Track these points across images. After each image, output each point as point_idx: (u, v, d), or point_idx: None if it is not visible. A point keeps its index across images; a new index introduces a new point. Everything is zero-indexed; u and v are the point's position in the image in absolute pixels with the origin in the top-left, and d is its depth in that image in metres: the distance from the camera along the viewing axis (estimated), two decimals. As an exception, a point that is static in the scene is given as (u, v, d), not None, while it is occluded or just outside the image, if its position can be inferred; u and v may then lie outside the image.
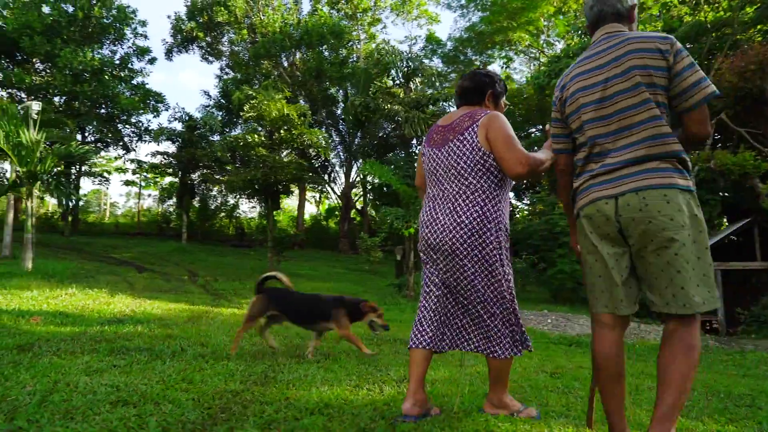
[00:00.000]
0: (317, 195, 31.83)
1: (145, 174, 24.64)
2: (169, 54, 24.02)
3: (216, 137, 18.85)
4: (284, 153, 14.58)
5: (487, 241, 2.34)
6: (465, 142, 2.41)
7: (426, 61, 29.67)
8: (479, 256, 2.34)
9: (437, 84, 18.83)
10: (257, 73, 22.39)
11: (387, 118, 14.34)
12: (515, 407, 2.50)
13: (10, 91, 21.36)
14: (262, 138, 14.20)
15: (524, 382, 3.57)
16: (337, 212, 30.35)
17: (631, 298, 2.03)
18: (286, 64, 24.29)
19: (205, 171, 19.40)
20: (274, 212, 14.77)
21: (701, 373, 5.03)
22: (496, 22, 20.31)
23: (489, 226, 2.35)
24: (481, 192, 2.38)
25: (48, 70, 21.35)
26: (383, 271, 17.57)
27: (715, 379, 4.68)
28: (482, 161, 2.37)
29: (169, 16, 28.35)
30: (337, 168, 25.97)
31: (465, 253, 2.34)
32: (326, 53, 21.44)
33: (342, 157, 25.06)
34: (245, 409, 2.27)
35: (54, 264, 11.82)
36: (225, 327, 5.21)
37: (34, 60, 21.60)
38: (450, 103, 16.49)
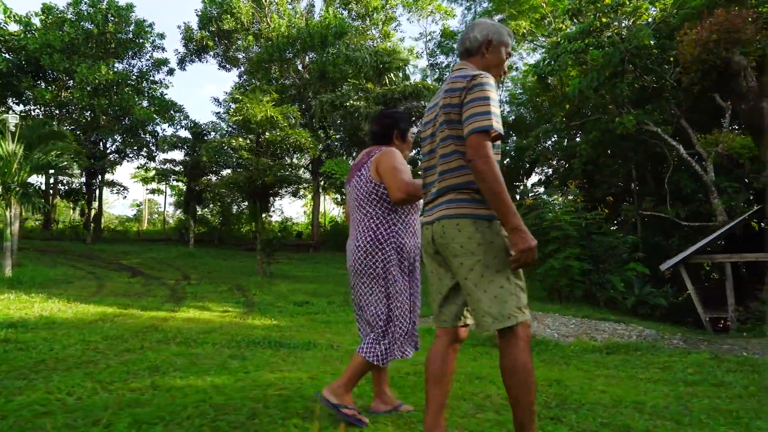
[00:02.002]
0: (339, 196, 31.76)
1: (164, 182, 25.53)
2: (182, 64, 24.72)
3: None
4: (269, 155, 14.56)
5: (378, 260, 2.70)
6: (361, 176, 2.81)
7: (443, 57, 29.24)
8: (372, 273, 2.71)
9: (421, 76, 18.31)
10: (266, 79, 22.64)
11: (349, 115, 14.04)
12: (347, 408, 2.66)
13: (33, 107, 22.62)
14: (248, 141, 14.25)
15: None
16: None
17: (449, 314, 2.25)
18: (300, 67, 24.46)
19: (209, 177, 19.75)
20: (263, 214, 14.81)
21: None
22: (500, 11, 19.60)
23: (380, 246, 2.71)
24: (375, 218, 2.75)
25: (69, 87, 22.44)
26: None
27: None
28: (374, 191, 2.74)
29: (179, 27, 29.14)
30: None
31: (361, 271, 2.73)
32: (331, 54, 21.35)
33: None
34: None
35: (39, 270, 12.28)
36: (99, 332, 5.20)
37: (62, 77, 22.73)
38: (425, 101, 15.86)
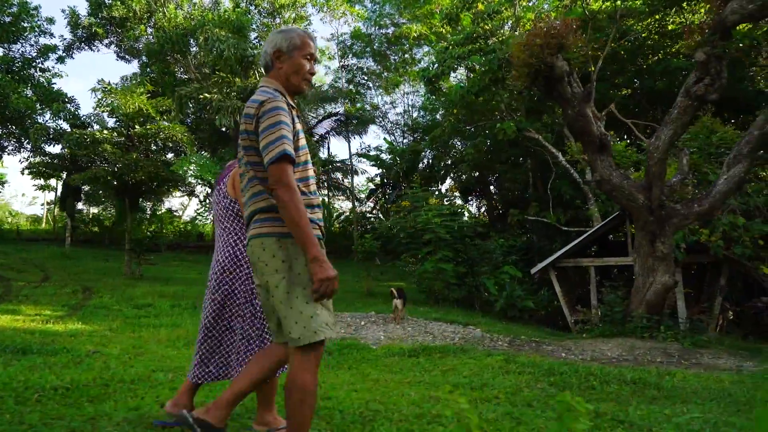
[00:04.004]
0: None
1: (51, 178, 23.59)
2: (69, 51, 23.06)
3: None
4: (142, 150, 13.65)
5: (237, 278, 2.71)
6: (219, 191, 2.80)
7: (355, 60, 29.08)
8: (228, 291, 2.71)
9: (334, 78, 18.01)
10: (162, 71, 21.53)
11: (203, 109, 13.56)
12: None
13: None
14: (114, 134, 13.36)
15: None
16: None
17: (274, 329, 2.32)
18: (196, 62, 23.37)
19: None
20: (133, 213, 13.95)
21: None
22: (401, 15, 19.65)
23: (239, 263, 2.71)
24: (233, 233, 2.73)
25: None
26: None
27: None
28: (231, 207, 2.74)
29: (63, 11, 27.30)
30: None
31: (216, 288, 2.72)
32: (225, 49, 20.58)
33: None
34: None
35: None
36: None
37: None
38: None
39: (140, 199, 15.91)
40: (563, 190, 16.76)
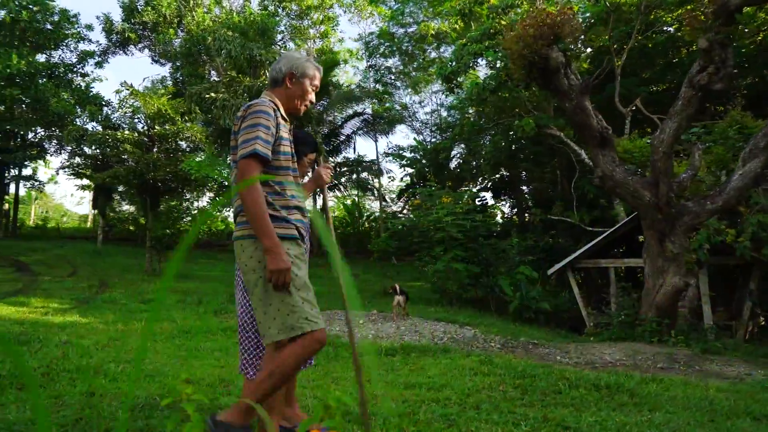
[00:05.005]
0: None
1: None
2: (104, 56, 24.00)
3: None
4: (163, 150, 14.00)
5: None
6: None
7: (382, 60, 29.04)
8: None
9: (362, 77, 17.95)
10: (191, 74, 22.09)
11: (210, 107, 13.69)
12: None
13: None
14: (135, 135, 13.78)
15: None
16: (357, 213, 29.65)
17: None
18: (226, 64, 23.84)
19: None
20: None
21: None
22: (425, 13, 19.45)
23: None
24: None
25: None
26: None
27: None
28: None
29: (98, 17, 28.38)
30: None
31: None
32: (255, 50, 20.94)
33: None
34: None
35: None
36: None
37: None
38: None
39: (165, 198, 16.36)
40: (587, 189, 16.20)
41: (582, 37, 16.00)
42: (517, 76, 8.09)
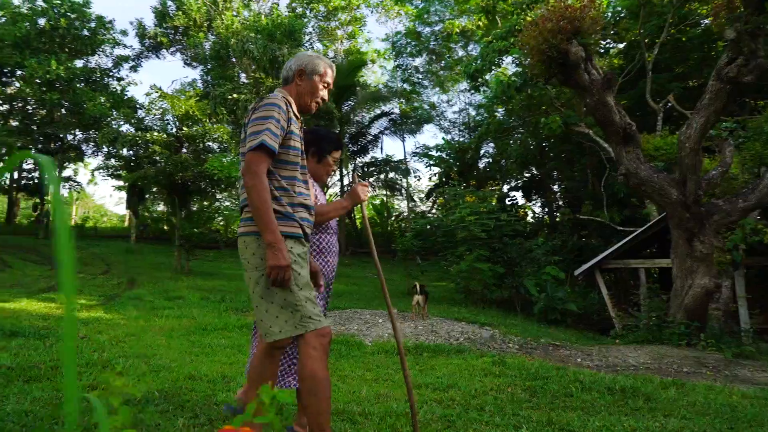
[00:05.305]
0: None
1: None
2: (137, 59, 24.69)
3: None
4: (191, 151, 14.29)
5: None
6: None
7: (410, 59, 28.94)
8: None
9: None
10: (220, 76, 22.50)
11: (232, 107, 13.83)
12: None
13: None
14: (163, 136, 14.11)
15: None
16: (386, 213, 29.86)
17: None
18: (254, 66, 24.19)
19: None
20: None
21: None
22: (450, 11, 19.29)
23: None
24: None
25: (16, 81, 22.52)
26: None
27: None
28: None
29: (131, 23, 29.18)
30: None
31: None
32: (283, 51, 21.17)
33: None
34: None
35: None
36: None
37: (13, 71, 22.80)
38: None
39: (197, 198, 16.76)
40: (617, 188, 15.76)
41: (612, 31, 15.60)
42: (537, 72, 7.90)
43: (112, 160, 19.85)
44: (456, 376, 4.89)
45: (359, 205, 2.84)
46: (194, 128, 13.97)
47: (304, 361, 2.12)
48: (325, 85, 2.47)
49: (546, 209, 26.27)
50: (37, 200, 25.12)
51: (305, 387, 2.10)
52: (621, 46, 17.32)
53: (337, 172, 24.76)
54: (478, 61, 15.78)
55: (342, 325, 8.28)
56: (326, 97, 2.51)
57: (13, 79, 23.16)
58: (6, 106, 23.07)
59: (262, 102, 2.23)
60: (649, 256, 14.23)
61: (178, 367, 4.27)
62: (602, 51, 15.86)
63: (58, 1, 22.29)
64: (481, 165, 26.61)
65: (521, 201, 24.80)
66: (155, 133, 13.99)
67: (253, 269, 2.17)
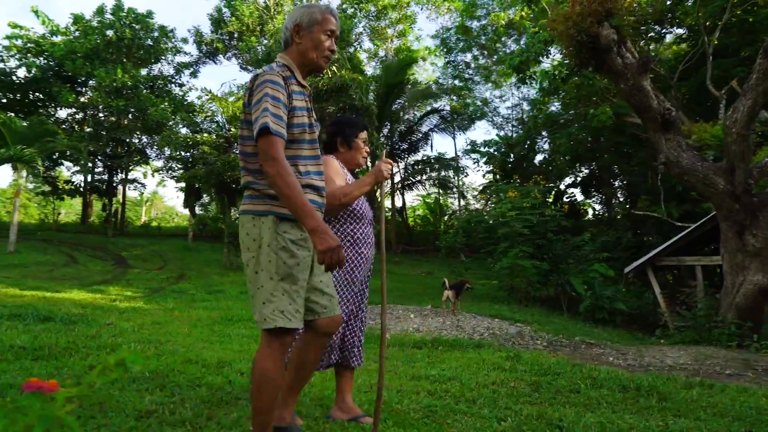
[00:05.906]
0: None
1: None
2: (195, 66, 25.88)
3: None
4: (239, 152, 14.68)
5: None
6: None
7: (461, 55, 28.56)
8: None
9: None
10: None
11: None
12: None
13: (66, 109, 24.48)
14: (213, 137, 14.68)
15: None
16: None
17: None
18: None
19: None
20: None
21: None
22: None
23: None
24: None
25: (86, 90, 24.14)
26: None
27: None
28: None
29: (189, 30, 30.48)
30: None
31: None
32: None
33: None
34: None
35: (23, 256, 13.46)
36: None
37: (84, 80, 24.47)
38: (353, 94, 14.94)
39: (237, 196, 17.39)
40: (675, 182, 14.84)
41: (668, 15, 14.73)
42: (570, 59, 7.57)
43: (171, 162, 20.84)
44: (462, 370, 4.77)
45: (380, 183, 2.71)
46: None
47: (257, 357, 2.03)
48: (329, 33, 2.18)
49: (605, 206, 25.17)
50: (106, 201, 26.81)
51: (253, 383, 2.01)
52: (680, 31, 16.31)
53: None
54: (524, 53, 15.35)
55: (372, 319, 8.29)
56: (334, 48, 2.23)
57: (86, 88, 24.85)
58: (81, 114, 24.78)
59: (257, 80, 2.04)
60: (707, 253, 13.33)
61: (184, 352, 4.41)
62: (656, 37, 15.01)
63: (124, 13, 23.69)
64: (536, 161, 25.85)
65: (580, 198, 23.87)
66: (205, 135, 14.54)
67: (246, 250, 2.07)
